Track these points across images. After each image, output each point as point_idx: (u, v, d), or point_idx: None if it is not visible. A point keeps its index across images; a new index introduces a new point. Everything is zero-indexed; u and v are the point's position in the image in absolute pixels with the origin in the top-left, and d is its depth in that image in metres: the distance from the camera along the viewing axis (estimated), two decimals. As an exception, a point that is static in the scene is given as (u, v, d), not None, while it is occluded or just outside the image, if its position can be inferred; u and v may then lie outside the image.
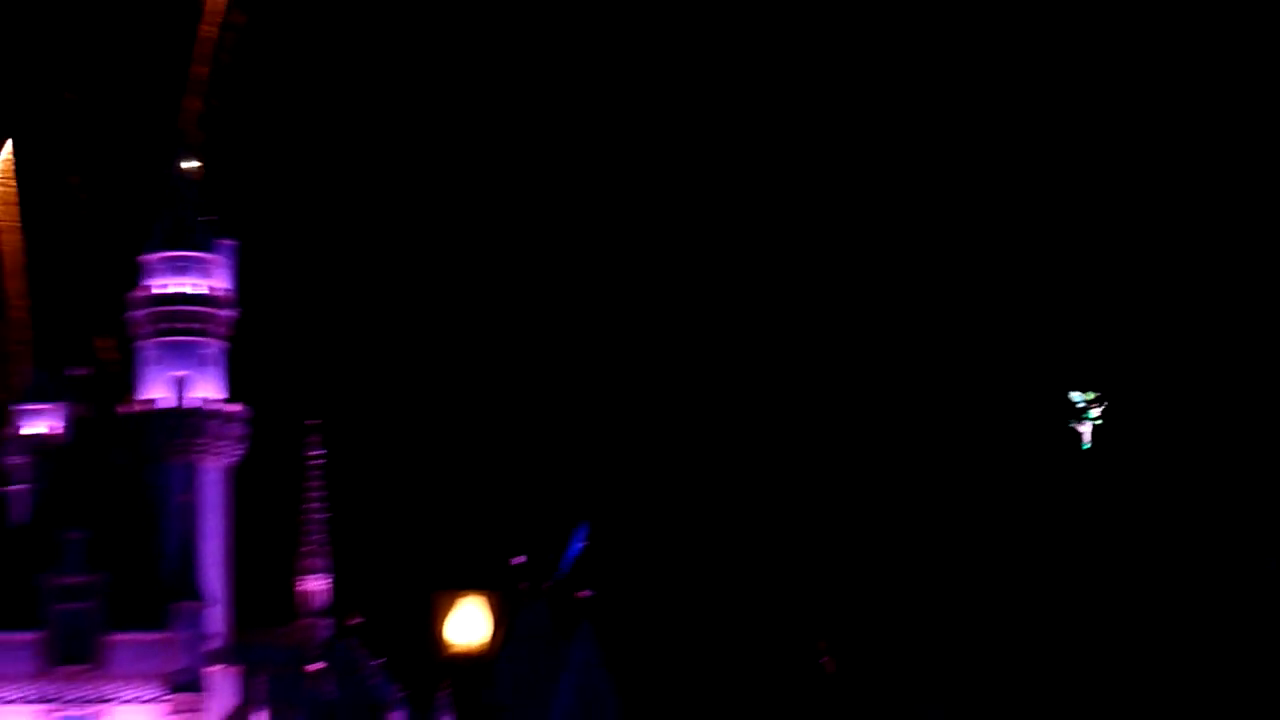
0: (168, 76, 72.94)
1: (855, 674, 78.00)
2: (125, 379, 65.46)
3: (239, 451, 64.54)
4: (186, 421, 62.92)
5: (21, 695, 58.14)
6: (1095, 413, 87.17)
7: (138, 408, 63.51)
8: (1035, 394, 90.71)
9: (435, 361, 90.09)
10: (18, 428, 66.50)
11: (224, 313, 64.56)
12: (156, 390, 63.30)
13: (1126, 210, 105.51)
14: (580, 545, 70.94)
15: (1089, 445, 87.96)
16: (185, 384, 63.25)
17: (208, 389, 63.65)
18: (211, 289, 64.19)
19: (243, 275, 66.91)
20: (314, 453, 67.78)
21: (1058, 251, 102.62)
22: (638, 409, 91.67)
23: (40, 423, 66.29)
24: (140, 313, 63.91)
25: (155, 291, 63.79)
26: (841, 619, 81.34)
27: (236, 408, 64.17)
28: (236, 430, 64.06)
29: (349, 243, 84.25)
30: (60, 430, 65.82)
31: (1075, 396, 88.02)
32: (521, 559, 68.46)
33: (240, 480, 65.57)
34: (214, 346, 64.49)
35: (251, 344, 68.03)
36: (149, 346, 63.90)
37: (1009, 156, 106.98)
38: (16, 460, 65.21)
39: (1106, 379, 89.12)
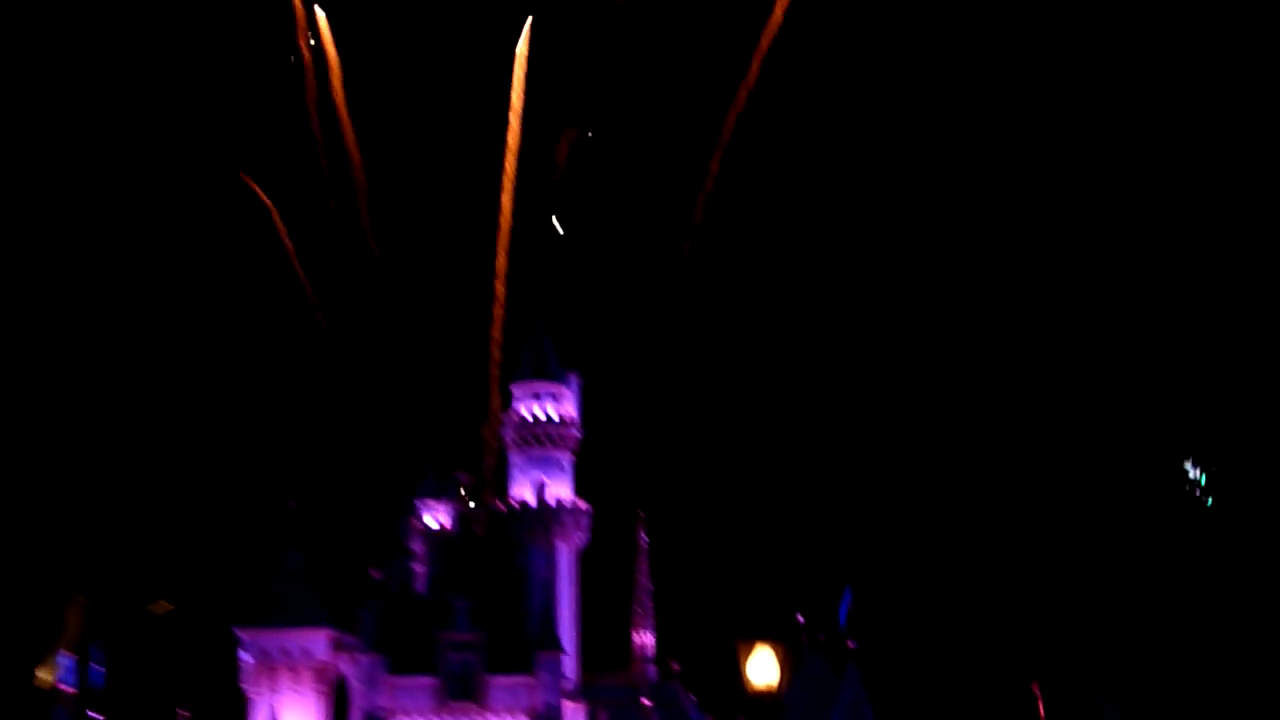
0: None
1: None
2: (499, 482, 78.66)
3: (585, 537, 77.00)
4: (545, 516, 75.46)
5: (421, 725, 69.96)
6: (1204, 477, 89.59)
7: (509, 505, 76.45)
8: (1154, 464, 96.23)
9: (735, 462, 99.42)
10: (419, 519, 77.65)
11: (572, 431, 77.19)
12: (523, 491, 76.17)
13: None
14: (847, 605, 78.37)
15: (1211, 503, 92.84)
16: (544, 486, 75.99)
17: (561, 490, 76.23)
18: (562, 414, 76.86)
19: (586, 401, 79.09)
20: (642, 536, 79.50)
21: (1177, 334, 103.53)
22: (888, 501, 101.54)
23: (435, 515, 77.86)
24: (510, 430, 77.12)
25: (521, 414, 76.82)
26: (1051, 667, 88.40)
27: (583, 504, 76.70)
28: (583, 521, 76.61)
29: (657, 376, 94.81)
30: (450, 521, 77.73)
31: (1189, 469, 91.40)
32: (802, 618, 75.77)
33: (587, 558, 77.75)
34: (565, 457, 77.10)
35: (595, 454, 79.63)
36: (516, 457, 76.98)
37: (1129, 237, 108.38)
38: (417, 545, 76.83)
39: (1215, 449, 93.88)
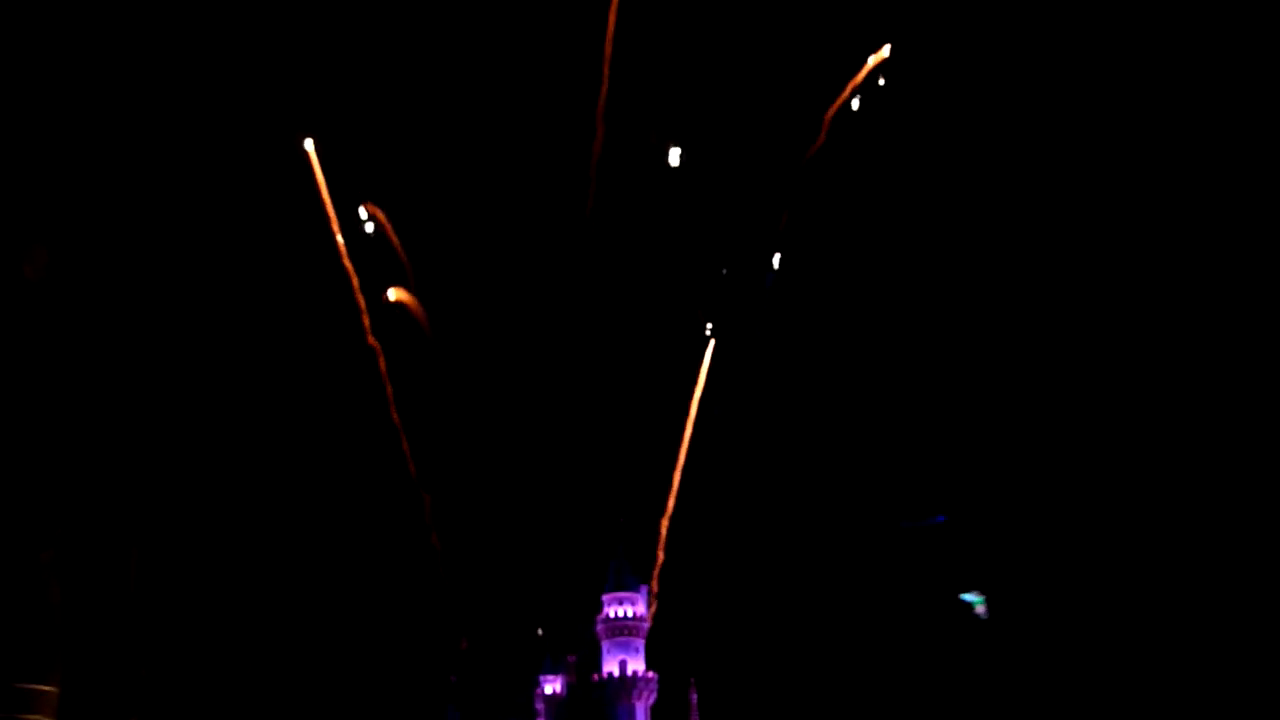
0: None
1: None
2: (595, 661, 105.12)
3: (654, 697, 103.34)
4: (626, 684, 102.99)
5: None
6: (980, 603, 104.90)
7: (601, 676, 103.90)
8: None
9: (761, 639, 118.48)
10: (541, 689, 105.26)
11: (643, 625, 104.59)
12: (611, 666, 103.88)
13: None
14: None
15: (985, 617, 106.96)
16: (625, 663, 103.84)
17: (637, 664, 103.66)
18: (636, 613, 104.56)
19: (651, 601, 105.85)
20: (692, 694, 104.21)
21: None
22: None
23: (552, 685, 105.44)
24: (601, 626, 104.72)
25: (609, 614, 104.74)
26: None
27: (651, 675, 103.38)
28: (652, 686, 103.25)
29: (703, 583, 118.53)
30: (562, 689, 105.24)
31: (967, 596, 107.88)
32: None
33: (655, 711, 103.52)
34: (639, 642, 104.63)
35: (659, 638, 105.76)
36: (606, 644, 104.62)
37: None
38: (540, 706, 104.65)
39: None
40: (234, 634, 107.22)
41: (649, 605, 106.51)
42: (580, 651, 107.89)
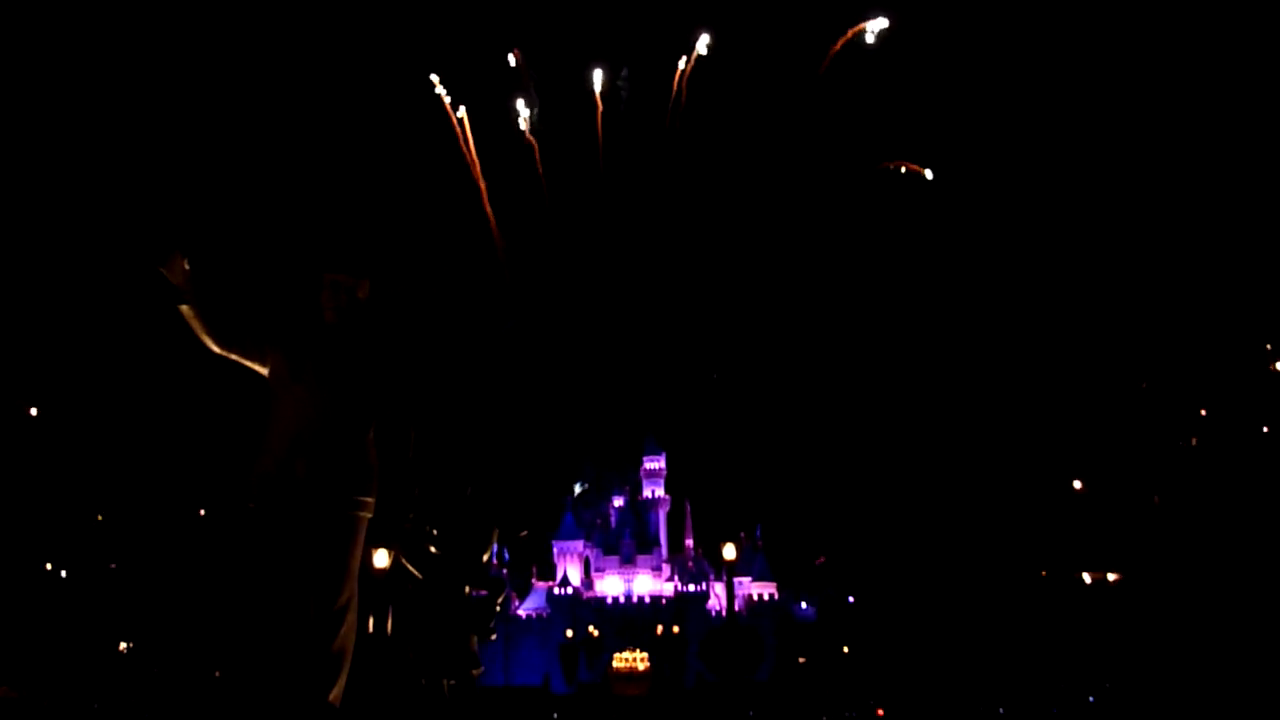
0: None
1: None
2: (639, 488, 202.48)
3: (668, 508, 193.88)
4: (657, 500, 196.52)
5: None
6: None
7: (646, 496, 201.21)
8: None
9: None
10: (612, 501, 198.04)
11: (663, 471, 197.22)
12: (646, 493, 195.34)
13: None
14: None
15: None
16: (655, 490, 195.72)
17: (659, 490, 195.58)
18: (660, 467, 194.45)
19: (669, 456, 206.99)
20: (687, 505, 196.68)
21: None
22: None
23: (622, 499, 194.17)
24: (642, 472, 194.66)
25: (646, 467, 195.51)
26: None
27: (666, 496, 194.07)
28: (667, 501, 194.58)
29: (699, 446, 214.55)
30: (624, 503, 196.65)
31: None
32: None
33: (669, 517, 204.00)
34: (661, 481, 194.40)
35: (673, 476, 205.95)
36: (645, 481, 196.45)
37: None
38: (611, 509, 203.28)
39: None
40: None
41: (666, 461, 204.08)
42: (630, 483, 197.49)
